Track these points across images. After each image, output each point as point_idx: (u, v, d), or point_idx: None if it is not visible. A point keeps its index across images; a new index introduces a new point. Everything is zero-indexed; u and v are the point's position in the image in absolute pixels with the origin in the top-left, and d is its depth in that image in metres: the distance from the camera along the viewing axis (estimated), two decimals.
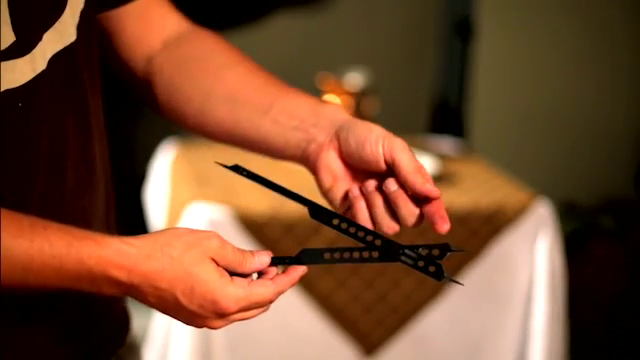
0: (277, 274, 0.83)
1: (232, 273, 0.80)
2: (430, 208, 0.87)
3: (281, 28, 3.00)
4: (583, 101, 3.14)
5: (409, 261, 0.84)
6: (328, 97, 2.36)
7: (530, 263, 2.07)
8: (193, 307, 0.78)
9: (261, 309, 0.82)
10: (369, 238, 0.85)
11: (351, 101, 2.36)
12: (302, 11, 3.03)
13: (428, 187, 0.86)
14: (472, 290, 2.05)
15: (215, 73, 0.99)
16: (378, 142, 0.88)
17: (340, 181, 0.92)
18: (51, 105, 0.83)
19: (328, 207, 0.88)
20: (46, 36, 0.83)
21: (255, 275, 0.83)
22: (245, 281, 0.80)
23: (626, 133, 3.19)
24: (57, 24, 0.84)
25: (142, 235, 0.79)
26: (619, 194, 3.15)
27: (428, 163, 2.20)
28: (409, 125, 3.13)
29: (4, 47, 0.78)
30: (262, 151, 0.98)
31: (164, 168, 2.34)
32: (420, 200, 0.87)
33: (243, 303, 0.79)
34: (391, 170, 0.88)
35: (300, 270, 0.84)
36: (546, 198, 2.11)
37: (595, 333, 2.75)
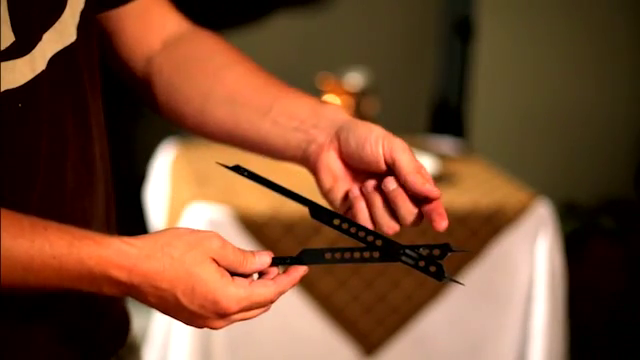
0: (278, 274, 0.83)
1: (233, 273, 0.80)
2: (429, 207, 0.87)
3: (281, 28, 3.00)
4: (583, 101, 3.14)
5: (410, 261, 0.84)
6: (328, 97, 2.36)
7: (530, 263, 2.07)
8: (194, 307, 0.78)
9: (262, 309, 0.82)
10: (370, 238, 0.85)
11: (351, 101, 2.36)
12: (302, 11, 3.03)
13: (428, 187, 0.86)
14: (472, 290, 2.04)
15: (214, 73, 0.99)
16: (378, 142, 0.88)
17: (340, 181, 0.92)
18: (51, 105, 0.83)
19: (328, 207, 0.88)
20: (46, 36, 0.83)
21: (256, 275, 0.83)
22: (246, 281, 0.80)
23: (626, 133, 3.19)
24: (57, 24, 0.84)
25: (143, 235, 0.79)
26: (619, 194, 3.15)
27: (428, 163, 2.20)
28: (409, 125, 3.13)
29: (4, 47, 0.78)
30: (262, 152, 0.98)
31: (164, 168, 2.34)
32: (419, 200, 0.87)
33: (244, 303, 0.79)
34: (391, 170, 0.88)
35: (301, 270, 0.84)
36: (546, 198, 2.11)
37: (595, 333, 2.75)
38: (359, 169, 0.91)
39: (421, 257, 0.84)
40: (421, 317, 2.04)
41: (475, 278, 2.03)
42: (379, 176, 0.90)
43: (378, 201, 0.89)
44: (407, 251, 0.84)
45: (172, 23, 1.03)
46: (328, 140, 0.92)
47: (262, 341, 1.94)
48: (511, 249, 2.06)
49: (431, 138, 2.73)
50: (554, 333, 2.07)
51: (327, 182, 0.92)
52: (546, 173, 3.12)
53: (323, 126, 0.93)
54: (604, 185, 3.17)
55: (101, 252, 0.75)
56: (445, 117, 3.15)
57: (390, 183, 0.87)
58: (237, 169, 0.88)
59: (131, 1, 0.99)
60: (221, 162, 0.90)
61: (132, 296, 0.79)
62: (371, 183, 0.89)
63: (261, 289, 0.80)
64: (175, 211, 2.06)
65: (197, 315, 0.79)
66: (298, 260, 0.84)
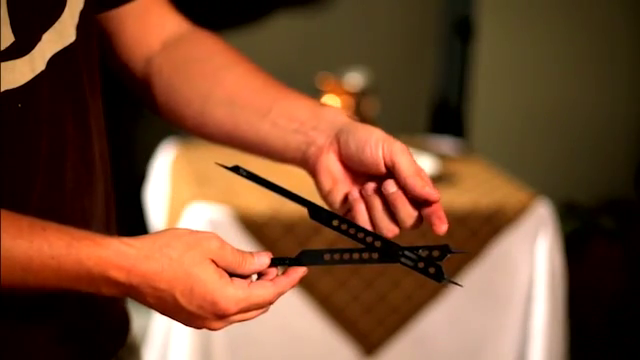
0: (277, 275, 0.83)
1: (232, 274, 0.80)
2: (429, 210, 0.87)
3: (281, 28, 3.00)
4: (583, 101, 3.14)
5: (409, 262, 0.84)
6: (328, 97, 2.36)
7: (530, 263, 2.07)
8: (192, 308, 0.78)
9: (261, 310, 0.82)
10: (369, 239, 0.85)
11: (351, 101, 2.36)
12: (302, 11, 3.03)
13: (428, 190, 0.86)
14: (472, 290, 2.05)
15: (214, 75, 0.99)
16: (378, 145, 0.88)
17: (340, 184, 0.92)
18: (51, 105, 0.83)
19: (327, 208, 0.88)
20: (45, 36, 0.83)
21: (255, 276, 0.83)
22: (245, 282, 0.80)
23: (626, 133, 3.19)
24: (57, 24, 0.84)
25: (141, 236, 0.79)
26: (619, 194, 3.15)
27: (428, 163, 2.20)
28: (409, 125, 3.13)
29: (3, 47, 0.78)
30: (262, 154, 0.98)
31: (164, 168, 2.34)
32: (419, 203, 0.87)
33: (243, 304, 0.79)
34: (390, 173, 0.88)
35: (300, 271, 0.83)
36: (546, 198, 2.11)
37: (595, 333, 2.75)
38: (359, 172, 0.91)
39: (420, 258, 0.84)
40: (421, 317, 2.04)
41: (475, 278, 2.03)
42: (378, 179, 0.89)
43: (378, 204, 0.88)
44: (406, 252, 0.84)
45: (172, 24, 1.03)
46: (328, 142, 0.92)
47: (262, 341, 1.94)
48: (511, 249, 2.06)
49: (431, 138, 2.73)
50: (554, 333, 2.07)
51: (326, 184, 0.92)
52: (546, 173, 3.12)
53: (323, 128, 0.93)
54: (604, 185, 3.17)
55: (100, 253, 0.75)
56: (445, 117, 3.15)
57: (390, 186, 0.87)
58: (236, 170, 0.88)
59: (130, 1, 0.99)
60: (220, 162, 0.90)
61: (131, 297, 0.79)
62: (371, 186, 0.89)
63: (260, 290, 0.80)
64: (175, 211, 2.06)
65: (195, 316, 0.79)
66: (297, 261, 0.84)
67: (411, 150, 0.90)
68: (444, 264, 0.84)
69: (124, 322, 1.02)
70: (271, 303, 0.82)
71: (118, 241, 0.76)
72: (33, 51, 0.81)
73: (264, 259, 0.82)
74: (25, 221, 0.75)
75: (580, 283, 2.46)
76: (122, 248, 0.76)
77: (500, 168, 2.42)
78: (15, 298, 0.81)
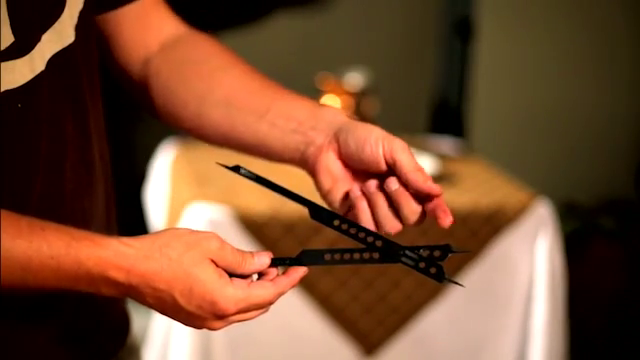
0: (277, 275, 0.83)
1: (232, 274, 0.80)
2: (432, 204, 0.87)
3: (281, 28, 3.00)
4: (583, 101, 3.14)
5: (410, 262, 0.84)
6: (328, 97, 2.36)
7: (530, 263, 2.06)
8: (191, 308, 0.78)
9: (261, 310, 0.82)
10: (370, 239, 0.85)
11: (351, 101, 2.36)
12: (302, 11, 3.03)
13: (430, 184, 0.86)
14: (472, 290, 2.04)
15: (210, 76, 0.99)
16: (378, 143, 0.88)
17: (339, 183, 0.92)
18: (50, 106, 0.83)
19: (327, 208, 0.88)
20: (45, 37, 0.83)
21: (255, 276, 0.83)
22: (244, 282, 0.80)
23: (626, 133, 3.19)
24: (56, 24, 0.84)
25: (141, 236, 0.79)
26: (619, 194, 3.15)
27: (428, 163, 2.20)
28: (409, 125, 3.13)
29: (3, 47, 0.78)
30: (260, 154, 0.98)
31: (164, 168, 2.34)
32: (421, 199, 0.88)
33: (242, 304, 0.79)
34: (391, 171, 0.88)
35: (300, 271, 0.83)
36: (546, 198, 2.11)
37: (595, 333, 2.75)
38: (359, 170, 0.91)
39: (421, 258, 0.84)
40: (421, 317, 2.03)
41: (475, 278, 2.03)
42: (378, 176, 0.90)
43: (381, 201, 0.89)
44: (407, 252, 0.84)
45: (169, 26, 1.03)
46: (327, 142, 0.92)
47: (262, 341, 1.94)
48: (511, 249, 2.06)
49: (431, 138, 2.73)
50: (554, 333, 2.07)
51: (326, 183, 0.92)
52: (546, 173, 3.12)
53: (321, 128, 0.93)
54: (604, 185, 3.17)
55: (99, 253, 0.75)
56: (445, 117, 3.15)
57: (392, 183, 0.87)
58: (237, 169, 0.88)
59: (129, 3, 0.99)
60: (221, 162, 0.90)
61: (130, 297, 0.79)
62: (373, 183, 0.89)
63: (259, 290, 0.80)
64: (175, 211, 2.06)
65: (195, 316, 0.79)
66: (297, 261, 0.83)
67: (411, 150, 0.90)
68: (444, 264, 0.84)
69: (124, 322, 1.02)
70: (271, 303, 0.82)
71: (117, 241, 0.76)
72: (33, 51, 0.81)
73: (264, 259, 0.82)
74: (24, 221, 0.75)
75: (580, 283, 2.46)
76: (121, 248, 0.76)
77: (500, 168, 2.42)
78: (15, 298, 0.81)
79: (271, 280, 0.82)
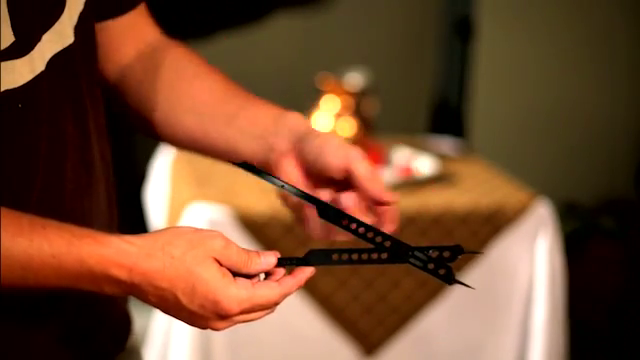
0: (284, 275, 0.82)
1: (237, 274, 0.80)
2: (382, 209, 0.90)
3: (281, 28, 3.00)
4: (583, 101, 3.14)
5: (418, 263, 0.83)
6: (328, 97, 2.36)
7: (530, 263, 2.07)
8: (194, 307, 0.78)
9: (266, 311, 0.81)
10: (378, 239, 0.84)
11: (351, 101, 2.36)
12: (302, 11, 3.03)
13: (384, 194, 0.89)
14: (472, 290, 2.04)
15: (182, 84, 1.01)
16: (335, 152, 0.91)
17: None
18: (50, 106, 0.83)
19: (336, 207, 0.88)
20: (45, 37, 0.83)
21: (262, 276, 0.82)
22: (248, 282, 0.80)
23: (626, 133, 3.19)
24: (56, 25, 0.84)
25: (143, 234, 0.78)
26: (619, 194, 3.15)
27: (428, 163, 2.20)
28: (409, 125, 3.13)
29: (3, 47, 0.78)
30: (230, 159, 0.99)
31: (164, 168, 2.34)
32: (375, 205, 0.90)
33: (246, 305, 0.79)
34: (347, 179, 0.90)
35: (307, 271, 0.83)
36: (546, 198, 2.11)
37: (595, 333, 2.75)
38: (317, 177, 0.93)
39: (430, 259, 0.83)
40: (421, 317, 2.03)
41: (475, 278, 2.03)
42: (335, 184, 0.92)
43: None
44: (416, 253, 0.83)
45: (149, 35, 1.04)
46: (287, 148, 0.94)
47: (262, 341, 1.94)
48: (511, 249, 2.06)
49: (431, 138, 2.73)
50: (554, 333, 2.07)
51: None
52: (546, 173, 3.12)
53: (283, 134, 0.95)
54: (604, 185, 3.17)
55: (101, 251, 0.75)
56: (445, 117, 3.15)
57: (346, 199, 0.90)
58: (245, 166, 0.88)
59: (122, 14, 1.00)
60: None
61: (133, 295, 0.78)
62: (325, 193, 0.91)
63: (264, 290, 0.80)
64: (175, 211, 2.06)
65: (198, 315, 0.79)
66: (304, 261, 0.83)
67: (411, 150, 0.90)
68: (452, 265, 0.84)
69: (125, 323, 1.02)
70: (277, 304, 0.81)
71: (119, 239, 0.76)
72: (32, 51, 0.81)
73: (271, 259, 0.82)
74: (25, 219, 0.74)
75: (580, 283, 2.46)
76: (123, 246, 0.76)
77: (500, 168, 2.42)
78: (15, 298, 0.81)
79: (277, 280, 0.81)
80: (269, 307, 0.81)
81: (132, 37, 1.02)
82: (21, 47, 0.80)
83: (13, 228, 0.73)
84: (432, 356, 2.07)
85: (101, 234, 0.76)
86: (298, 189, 0.87)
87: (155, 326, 1.94)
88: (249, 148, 0.97)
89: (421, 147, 2.43)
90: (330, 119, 2.33)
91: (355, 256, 0.83)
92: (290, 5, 3.02)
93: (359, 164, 0.90)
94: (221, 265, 0.79)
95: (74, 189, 0.87)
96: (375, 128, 2.39)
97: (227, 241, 0.80)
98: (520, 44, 3.07)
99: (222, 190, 2.00)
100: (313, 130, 0.94)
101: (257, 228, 1.91)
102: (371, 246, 0.84)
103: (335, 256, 0.83)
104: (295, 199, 0.91)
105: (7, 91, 0.79)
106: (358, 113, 2.34)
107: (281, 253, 0.83)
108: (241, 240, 1.89)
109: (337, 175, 0.91)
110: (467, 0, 3.04)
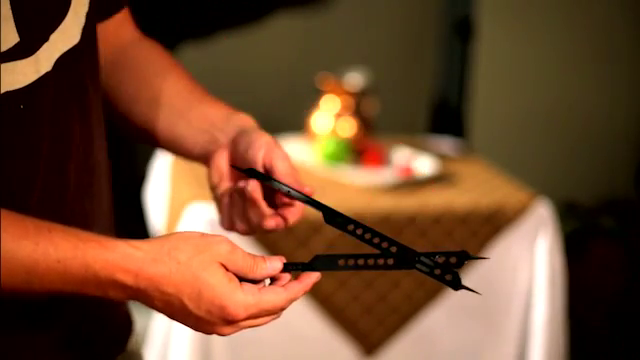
0: (290, 281, 0.82)
1: (243, 279, 0.80)
2: (288, 205, 0.95)
3: (281, 28, 3.00)
4: (583, 101, 3.14)
5: (425, 269, 0.83)
6: (328, 97, 2.36)
7: (530, 263, 2.07)
8: (200, 313, 0.78)
9: (272, 316, 0.81)
10: (384, 244, 0.84)
11: (351, 101, 2.36)
12: (302, 11, 3.03)
13: (302, 184, 0.94)
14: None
15: (145, 79, 1.04)
16: (261, 148, 0.95)
17: (225, 180, 1.00)
18: (54, 106, 0.83)
19: (342, 213, 0.89)
20: (53, 37, 0.82)
21: (268, 281, 0.82)
22: (255, 287, 0.79)
23: (626, 133, 3.19)
24: (62, 25, 0.84)
25: (149, 239, 0.78)
26: (619, 194, 3.15)
27: (428, 163, 2.20)
28: (409, 125, 3.13)
29: (7, 48, 0.78)
30: (175, 151, 1.04)
31: (164, 168, 2.34)
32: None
33: (252, 310, 0.79)
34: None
35: (313, 276, 0.83)
36: (546, 198, 2.11)
37: (595, 333, 2.75)
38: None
39: (437, 265, 0.82)
40: (421, 317, 2.03)
41: (475, 278, 2.03)
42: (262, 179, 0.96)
43: (238, 201, 0.96)
44: (422, 258, 0.83)
45: (125, 33, 1.06)
46: (226, 142, 0.99)
47: (262, 341, 1.94)
48: (511, 249, 2.06)
49: (431, 138, 2.73)
50: (554, 333, 2.07)
51: (214, 179, 1.00)
52: (546, 173, 3.12)
53: (228, 131, 1.00)
54: (604, 185, 3.18)
55: (107, 255, 0.75)
56: (445, 117, 3.15)
57: (247, 186, 0.94)
58: (250, 172, 0.91)
59: (118, 12, 1.03)
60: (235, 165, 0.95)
61: (138, 300, 0.78)
62: (240, 184, 0.95)
63: (270, 296, 0.80)
64: (175, 211, 2.05)
65: (204, 321, 0.78)
66: (310, 266, 0.83)
67: (411, 150, 0.91)
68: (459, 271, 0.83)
69: (126, 326, 1.02)
70: (283, 309, 0.81)
71: (125, 243, 0.76)
72: (38, 52, 0.81)
73: (277, 264, 0.82)
74: (30, 222, 0.74)
75: (580, 283, 2.46)
76: (129, 251, 0.76)
77: (500, 168, 2.42)
78: (17, 302, 0.80)
79: (283, 286, 0.81)
80: (275, 312, 0.81)
81: (113, 38, 1.04)
82: (26, 48, 0.80)
83: (18, 231, 0.73)
84: (432, 356, 2.07)
85: (107, 238, 0.76)
86: (304, 195, 0.88)
87: (155, 327, 1.94)
88: (192, 140, 1.01)
89: (421, 147, 2.43)
90: (330, 119, 2.33)
91: (361, 262, 0.83)
92: (290, 5, 3.02)
93: (280, 162, 0.95)
94: (227, 270, 0.79)
95: (76, 190, 0.87)
96: (375, 128, 2.39)
97: (233, 246, 0.80)
98: (520, 44, 3.07)
99: None
100: (253, 128, 0.99)
101: None
102: (377, 251, 0.84)
103: (341, 262, 0.83)
104: (223, 189, 0.98)
105: (9, 92, 0.79)
106: (358, 113, 2.34)
107: (281, 253, 0.83)
108: (240, 240, 1.89)
109: (261, 168, 0.95)
110: (467, 0, 3.04)
